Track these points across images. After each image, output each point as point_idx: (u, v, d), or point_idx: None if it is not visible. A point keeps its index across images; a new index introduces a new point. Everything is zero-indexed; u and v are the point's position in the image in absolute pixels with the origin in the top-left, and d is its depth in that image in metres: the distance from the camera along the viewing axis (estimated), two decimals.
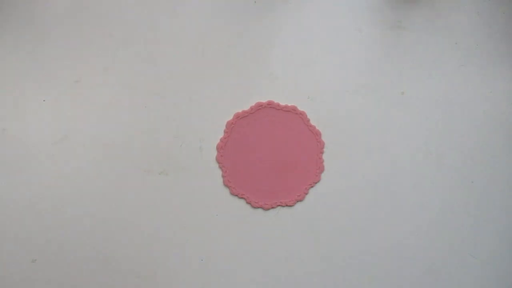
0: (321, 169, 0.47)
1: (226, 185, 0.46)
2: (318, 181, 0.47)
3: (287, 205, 0.46)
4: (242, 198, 0.46)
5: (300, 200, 0.46)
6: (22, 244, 0.44)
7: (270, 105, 0.47)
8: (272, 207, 0.46)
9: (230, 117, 0.47)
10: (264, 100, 0.47)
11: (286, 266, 0.46)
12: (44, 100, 0.47)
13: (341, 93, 0.48)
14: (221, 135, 0.47)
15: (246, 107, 0.47)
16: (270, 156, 0.47)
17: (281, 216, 0.46)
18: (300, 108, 0.47)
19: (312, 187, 0.47)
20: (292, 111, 0.47)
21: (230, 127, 0.47)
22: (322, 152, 0.47)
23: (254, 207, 0.46)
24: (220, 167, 0.46)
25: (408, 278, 0.46)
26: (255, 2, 0.48)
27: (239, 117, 0.47)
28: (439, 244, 0.46)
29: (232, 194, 0.46)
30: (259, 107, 0.47)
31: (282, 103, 0.47)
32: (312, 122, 0.47)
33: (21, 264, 0.44)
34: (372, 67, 0.48)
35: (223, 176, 0.46)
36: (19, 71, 0.47)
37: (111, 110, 0.46)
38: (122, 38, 0.47)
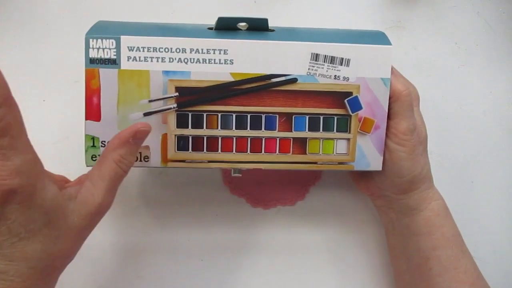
0: None
1: (225, 184, 0.46)
2: (319, 180, 0.47)
3: (287, 205, 0.46)
4: (241, 197, 0.46)
5: (301, 200, 0.46)
6: None
7: None
8: (272, 207, 0.46)
9: None
10: None
11: (287, 266, 0.45)
12: (44, 100, 0.47)
13: None
14: None
15: None
16: None
17: (282, 215, 0.46)
18: None
19: (312, 186, 0.47)
20: None
21: None
22: None
23: (254, 207, 0.46)
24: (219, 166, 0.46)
25: None
26: (255, 1, 0.48)
27: None
28: None
29: (232, 193, 0.46)
30: None
31: None
32: None
33: None
34: None
35: (222, 175, 0.46)
36: (19, 71, 0.47)
37: None
38: None
